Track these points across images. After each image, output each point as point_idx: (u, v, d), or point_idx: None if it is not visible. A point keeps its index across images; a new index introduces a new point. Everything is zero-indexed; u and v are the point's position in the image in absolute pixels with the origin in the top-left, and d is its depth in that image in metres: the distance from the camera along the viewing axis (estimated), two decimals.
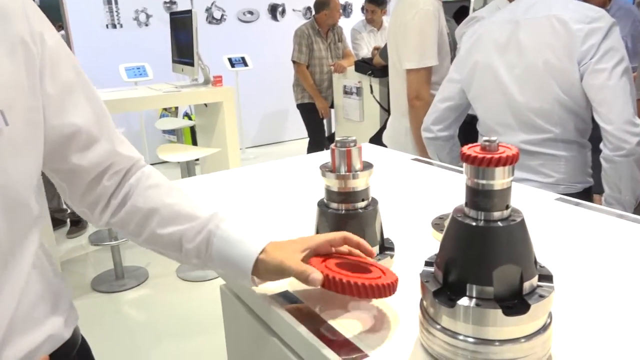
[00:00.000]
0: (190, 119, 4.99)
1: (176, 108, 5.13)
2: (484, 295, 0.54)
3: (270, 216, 1.05)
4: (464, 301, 0.54)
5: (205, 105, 3.22)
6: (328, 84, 4.12)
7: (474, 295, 0.54)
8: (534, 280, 0.55)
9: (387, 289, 0.65)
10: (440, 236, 0.90)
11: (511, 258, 0.53)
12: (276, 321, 0.71)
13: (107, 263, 3.02)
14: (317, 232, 0.81)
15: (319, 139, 4.14)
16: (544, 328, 0.55)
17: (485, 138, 0.54)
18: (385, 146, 2.32)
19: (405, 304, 0.70)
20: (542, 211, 1.02)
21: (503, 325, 0.53)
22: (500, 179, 0.53)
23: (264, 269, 0.68)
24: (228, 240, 0.70)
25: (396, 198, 1.13)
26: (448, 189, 1.18)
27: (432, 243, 0.89)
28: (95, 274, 3.03)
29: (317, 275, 0.64)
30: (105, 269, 3.04)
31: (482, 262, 0.54)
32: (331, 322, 0.66)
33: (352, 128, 3.86)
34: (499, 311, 0.52)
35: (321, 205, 0.81)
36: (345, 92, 3.87)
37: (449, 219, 0.58)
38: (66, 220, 3.74)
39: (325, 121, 4.32)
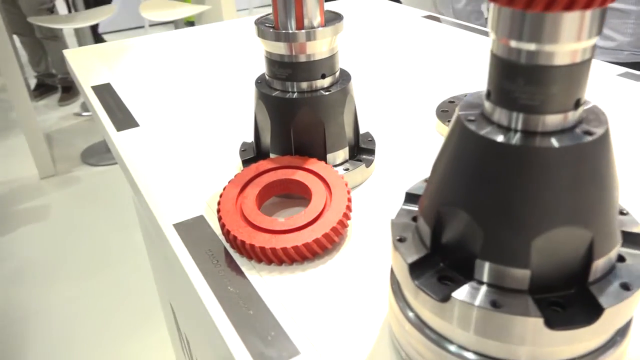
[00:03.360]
0: None
1: None
2: (511, 282, 0.27)
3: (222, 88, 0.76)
4: (468, 292, 0.27)
5: None
6: None
7: (491, 280, 0.27)
8: (614, 253, 0.28)
9: (307, 250, 0.42)
10: (443, 129, 0.62)
11: (574, 214, 0.25)
12: (165, 243, 0.46)
13: (99, 134, 2.82)
14: (256, 124, 0.53)
15: None
16: (621, 334, 0.29)
17: None
18: (399, 1, 1.93)
19: (376, 258, 0.44)
20: (597, 92, 0.71)
21: (545, 344, 0.26)
22: (571, 40, 0.24)
23: None
24: None
25: (389, 72, 0.82)
26: (468, 60, 0.86)
27: (435, 142, 0.60)
28: (86, 145, 2.83)
29: None
30: (97, 140, 2.84)
31: (512, 220, 0.26)
32: (252, 276, 0.41)
33: None
34: (539, 321, 0.25)
35: (260, 83, 0.51)
36: None
37: (452, 121, 0.29)
38: (57, 86, 3.48)
39: None
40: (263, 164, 0.49)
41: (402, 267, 0.30)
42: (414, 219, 0.33)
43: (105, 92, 0.76)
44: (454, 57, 0.86)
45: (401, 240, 0.31)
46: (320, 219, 0.43)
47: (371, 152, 0.54)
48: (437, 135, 0.62)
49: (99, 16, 2.67)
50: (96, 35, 3.24)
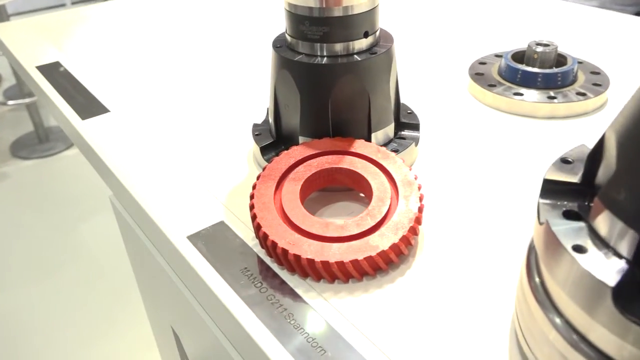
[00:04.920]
0: None
1: None
2: None
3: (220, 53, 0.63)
4: None
5: None
6: None
7: None
8: None
9: (383, 260, 0.32)
10: (484, 95, 0.53)
11: None
12: (178, 263, 0.35)
13: (28, 124, 2.56)
14: (276, 100, 0.42)
15: None
16: None
17: None
18: None
19: (460, 257, 0.35)
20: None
21: None
22: None
23: None
24: None
25: (407, 34, 0.73)
26: (487, 20, 0.77)
27: (472, 107, 0.52)
28: (14, 137, 2.57)
29: None
30: (26, 130, 2.59)
31: None
32: (314, 301, 0.31)
33: None
34: None
35: (281, 48, 0.40)
36: None
37: None
38: None
39: None
40: (298, 151, 0.38)
41: (592, 290, 0.21)
42: (569, 215, 0.24)
43: (56, 73, 0.62)
44: (471, 18, 0.77)
45: (580, 249, 0.22)
46: (388, 219, 0.33)
47: (415, 127, 0.44)
48: (471, 100, 0.53)
49: None
50: None
